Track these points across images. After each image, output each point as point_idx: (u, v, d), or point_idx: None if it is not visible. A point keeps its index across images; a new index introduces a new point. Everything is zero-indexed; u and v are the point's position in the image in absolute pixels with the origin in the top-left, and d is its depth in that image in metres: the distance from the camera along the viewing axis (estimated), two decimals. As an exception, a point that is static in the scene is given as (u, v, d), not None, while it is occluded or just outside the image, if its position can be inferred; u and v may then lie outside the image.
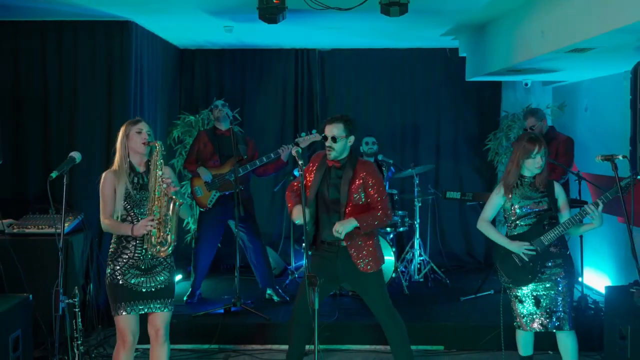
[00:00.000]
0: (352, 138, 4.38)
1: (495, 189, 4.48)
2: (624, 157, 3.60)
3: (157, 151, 3.84)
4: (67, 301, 3.57)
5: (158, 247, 3.78)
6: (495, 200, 4.46)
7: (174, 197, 3.79)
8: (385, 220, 4.39)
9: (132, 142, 3.87)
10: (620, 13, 3.90)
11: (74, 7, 5.53)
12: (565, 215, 4.30)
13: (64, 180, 3.53)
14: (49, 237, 5.39)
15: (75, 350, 4.37)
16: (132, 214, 3.86)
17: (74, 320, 4.13)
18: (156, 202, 3.80)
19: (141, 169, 3.94)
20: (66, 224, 5.46)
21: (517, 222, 4.36)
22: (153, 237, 3.78)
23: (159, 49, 7.04)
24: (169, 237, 3.78)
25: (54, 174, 3.56)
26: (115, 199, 3.83)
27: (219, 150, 6.09)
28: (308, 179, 4.55)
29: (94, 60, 6.11)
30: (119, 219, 3.87)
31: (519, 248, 4.28)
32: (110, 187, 3.83)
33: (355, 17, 5.26)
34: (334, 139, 4.32)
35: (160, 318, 3.98)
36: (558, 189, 4.34)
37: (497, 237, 4.42)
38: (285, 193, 4.83)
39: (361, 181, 4.36)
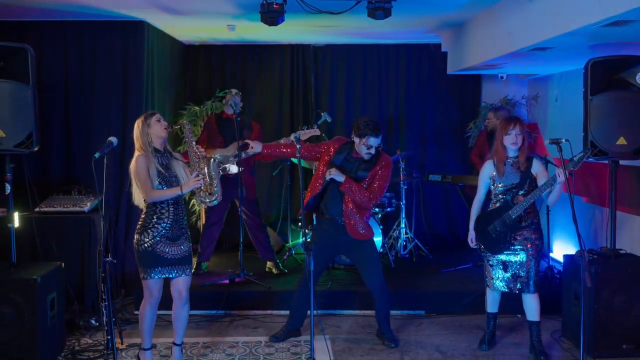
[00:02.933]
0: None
1: (484, 165, 5.04)
2: (566, 140, 4.26)
3: (187, 128, 4.54)
4: (109, 260, 4.10)
5: (207, 198, 4.42)
6: (485, 173, 5.01)
7: (210, 156, 4.46)
8: (364, 201, 5.02)
9: (153, 129, 4.40)
10: (572, 18, 4.43)
11: (93, 9, 6.00)
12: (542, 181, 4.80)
13: (104, 161, 4.08)
14: (72, 215, 6.00)
15: (104, 310, 5.02)
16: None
17: (102, 285, 4.71)
18: (197, 166, 4.42)
19: (162, 150, 4.50)
20: (88, 204, 6.10)
21: (498, 197, 4.96)
22: (202, 191, 4.41)
23: (167, 45, 7.51)
24: (215, 188, 4.41)
25: (96, 155, 4.07)
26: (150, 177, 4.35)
27: (223, 132, 6.61)
28: (326, 158, 5.19)
29: (110, 56, 6.55)
30: None
31: (469, 240, 5.10)
32: (145, 167, 4.32)
33: (345, 18, 5.79)
34: (375, 149, 5.03)
35: (182, 282, 4.53)
36: (535, 164, 4.87)
37: (471, 223, 5.09)
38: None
39: (378, 171, 5.05)
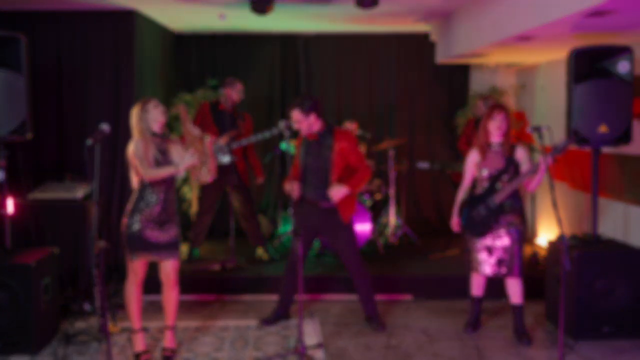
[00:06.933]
0: (312, 115, 5.05)
1: (470, 153, 5.14)
2: (547, 127, 4.37)
3: (183, 110, 4.67)
4: (102, 245, 4.17)
5: (202, 176, 4.54)
6: (470, 161, 5.11)
7: (204, 136, 4.58)
8: (368, 175, 5.16)
9: (151, 114, 4.46)
10: (554, 8, 4.55)
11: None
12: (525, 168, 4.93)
13: (97, 148, 4.13)
14: (65, 202, 6.02)
15: (97, 295, 5.14)
16: None
17: (95, 270, 4.83)
18: (192, 145, 4.54)
19: (160, 132, 4.55)
20: (81, 190, 6.12)
21: (483, 182, 5.06)
22: (197, 168, 4.53)
23: (159, 34, 7.56)
24: (210, 165, 4.53)
25: (89, 142, 4.11)
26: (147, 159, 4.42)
27: (217, 123, 6.63)
28: (296, 154, 5.34)
29: (102, 45, 6.60)
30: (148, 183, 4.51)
31: (452, 225, 5.26)
32: (143, 148, 4.40)
33: (334, 8, 5.90)
34: (295, 122, 5.09)
35: (170, 266, 4.63)
36: (519, 151, 4.96)
37: (455, 208, 5.24)
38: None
39: (341, 149, 5.13)
